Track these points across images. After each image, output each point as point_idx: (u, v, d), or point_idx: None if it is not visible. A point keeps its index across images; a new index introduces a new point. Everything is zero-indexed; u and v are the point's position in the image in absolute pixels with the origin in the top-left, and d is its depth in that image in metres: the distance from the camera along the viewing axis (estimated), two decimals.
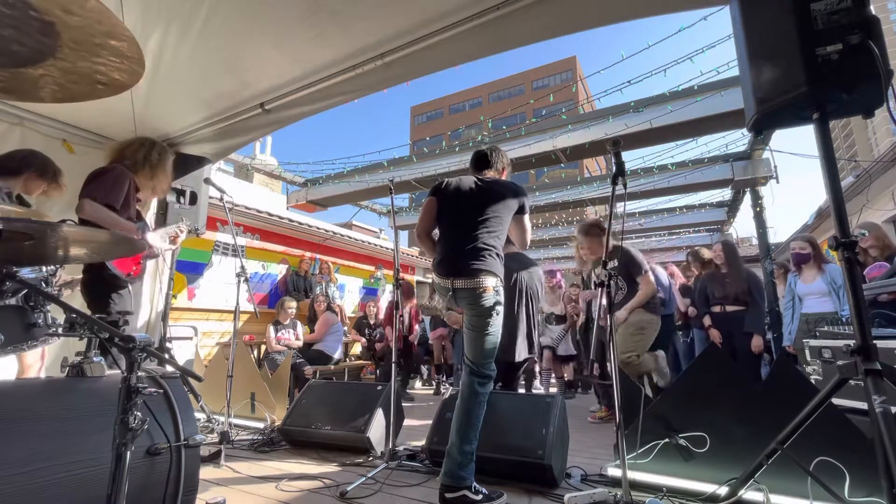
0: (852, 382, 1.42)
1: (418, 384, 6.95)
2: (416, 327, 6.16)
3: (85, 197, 2.21)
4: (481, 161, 2.49)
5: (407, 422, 3.43)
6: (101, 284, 2.31)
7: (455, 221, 2.28)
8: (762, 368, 4.79)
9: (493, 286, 2.13)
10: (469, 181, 2.35)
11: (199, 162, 3.64)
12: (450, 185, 2.35)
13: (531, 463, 2.20)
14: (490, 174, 2.45)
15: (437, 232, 2.41)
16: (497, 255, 2.20)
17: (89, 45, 1.04)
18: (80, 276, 2.40)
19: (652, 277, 3.43)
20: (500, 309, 2.17)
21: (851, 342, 1.44)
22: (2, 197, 2.12)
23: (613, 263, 1.93)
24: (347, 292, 8.59)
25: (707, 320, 4.09)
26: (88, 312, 2.01)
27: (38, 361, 2.63)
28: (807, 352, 2.74)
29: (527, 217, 2.39)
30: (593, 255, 3.68)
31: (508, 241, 2.38)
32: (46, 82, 1.15)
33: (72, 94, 1.23)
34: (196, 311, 5.68)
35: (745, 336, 3.85)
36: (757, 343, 3.80)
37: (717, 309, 4.07)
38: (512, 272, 3.11)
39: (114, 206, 2.30)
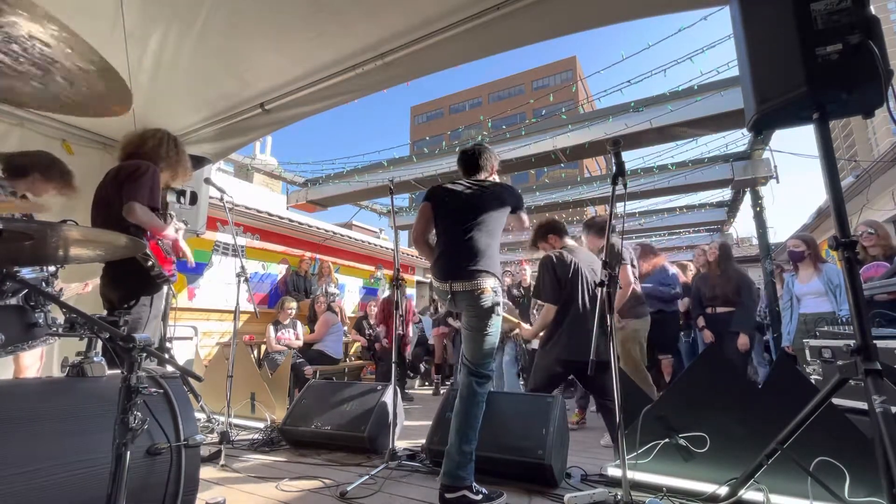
0: (852, 382, 1.42)
1: (417, 384, 6.95)
2: (410, 329, 6.16)
3: (133, 200, 2.13)
4: (471, 163, 2.46)
5: (407, 422, 3.43)
6: (143, 284, 2.22)
7: (451, 224, 2.28)
8: (762, 368, 4.79)
9: (491, 287, 2.13)
10: (463, 184, 2.36)
11: (199, 162, 3.64)
12: (444, 189, 2.37)
13: (531, 463, 2.20)
14: (481, 176, 2.45)
15: (434, 237, 2.42)
16: (494, 255, 2.20)
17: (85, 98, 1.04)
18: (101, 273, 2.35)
19: (629, 270, 3.28)
20: (500, 309, 2.18)
21: (851, 342, 1.44)
22: (5, 195, 2.11)
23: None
24: (347, 292, 8.59)
25: (700, 321, 4.11)
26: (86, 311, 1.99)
27: (37, 362, 2.62)
28: (807, 352, 2.74)
29: (524, 213, 2.43)
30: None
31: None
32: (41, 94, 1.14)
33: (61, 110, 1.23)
34: (196, 311, 5.68)
35: (732, 336, 3.86)
36: (742, 342, 3.81)
37: (708, 310, 4.10)
38: (570, 263, 2.93)
39: (156, 207, 2.26)
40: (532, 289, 4.95)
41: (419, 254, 2.47)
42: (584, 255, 3.07)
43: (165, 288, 2.36)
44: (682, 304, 4.59)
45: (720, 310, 3.99)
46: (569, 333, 2.81)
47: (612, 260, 3.27)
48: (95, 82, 1.03)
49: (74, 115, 1.24)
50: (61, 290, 2.60)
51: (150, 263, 2.17)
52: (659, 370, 4.46)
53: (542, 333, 3.11)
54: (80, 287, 2.96)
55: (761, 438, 1.64)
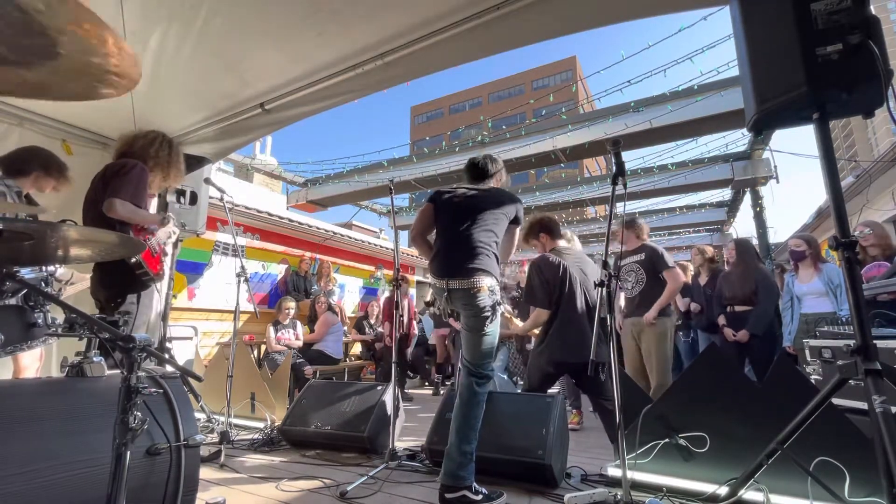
0: (852, 382, 1.42)
1: (417, 383, 6.94)
2: (415, 325, 6.15)
3: (114, 196, 2.14)
4: (478, 171, 2.48)
5: (407, 422, 3.43)
6: (128, 282, 2.24)
7: (451, 222, 2.29)
8: None
9: (488, 286, 2.13)
10: (466, 187, 2.39)
11: (199, 162, 3.64)
12: (447, 190, 2.39)
13: (531, 463, 2.20)
14: (487, 183, 2.46)
15: (433, 237, 2.42)
16: (493, 254, 2.20)
17: (86, 62, 1.04)
18: (90, 273, 2.36)
19: (679, 273, 3.39)
20: (498, 309, 2.17)
21: (851, 342, 1.44)
22: (12, 196, 2.11)
23: (612, 263, 1.93)
24: (347, 292, 8.59)
25: (722, 320, 4.06)
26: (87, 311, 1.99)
27: (36, 362, 2.62)
28: (807, 352, 2.74)
29: (518, 230, 2.41)
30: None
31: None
32: (41, 82, 1.14)
33: (68, 95, 1.22)
34: (196, 311, 5.68)
35: (752, 337, 3.84)
36: (743, 335, 3.83)
37: (728, 309, 4.04)
38: (558, 266, 2.92)
39: (139, 205, 2.27)
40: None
41: (417, 251, 2.47)
42: (574, 257, 3.07)
43: (157, 286, 2.37)
44: (682, 304, 4.59)
45: (739, 309, 3.95)
46: (561, 335, 2.81)
47: (659, 264, 3.35)
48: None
49: (79, 99, 1.22)
50: (73, 275, 2.59)
51: (133, 261, 2.18)
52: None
53: (536, 331, 3.12)
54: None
55: (761, 438, 1.64)
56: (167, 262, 2.49)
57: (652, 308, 3.33)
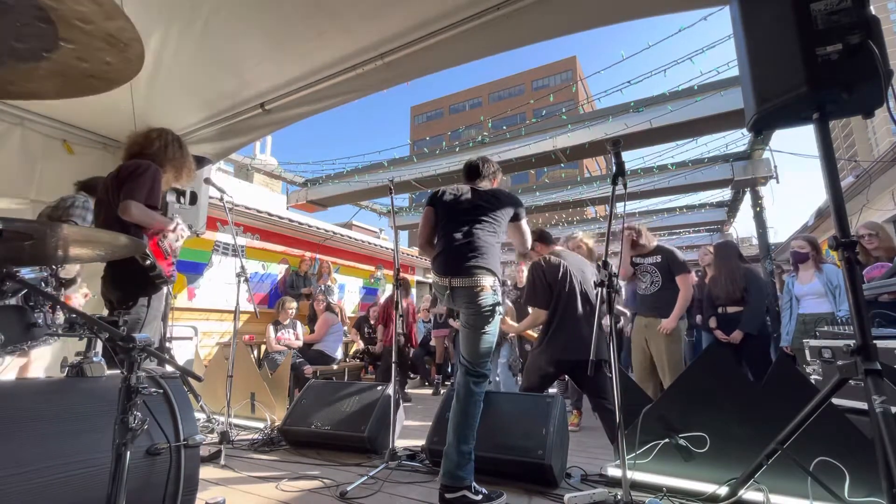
0: (852, 382, 1.42)
1: (417, 383, 6.94)
2: (415, 327, 6.15)
3: (129, 199, 2.12)
4: (473, 172, 2.50)
5: (407, 422, 3.43)
6: (141, 284, 2.22)
7: (453, 222, 2.29)
8: None
9: (490, 285, 2.13)
10: (465, 188, 2.40)
11: (199, 162, 3.63)
12: (446, 192, 2.39)
13: (531, 463, 2.20)
14: (483, 184, 2.47)
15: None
16: (495, 253, 2.21)
17: (88, 34, 1.04)
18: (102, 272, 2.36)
19: (689, 277, 3.44)
20: (499, 308, 2.18)
21: (851, 342, 1.44)
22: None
23: (613, 264, 1.93)
24: (347, 292, 8.59)
25: (713, 322, 4.07)
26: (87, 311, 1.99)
27: (40, 360, 2.64)
28: (807, 352, 2.74)
29: (524, 222, 2.44)
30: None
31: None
32: (47, 77, 1.15)
33: (72, 89, 1.23)
34: (196, 311, 5.68)
35: (746, 337, 3.84)
36: (736, 336, 3.84)
37: (719, 310, 4.06)
38: (559, 266, 2.93)
39: (155, 206, 2.26)
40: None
41: (426, 257, 2.48)
42: (573, 259, 3.07)
43: (164, 288, 2.36)
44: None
45: (730, 310, 3.96)
46: (561, 334, 2.81)
47: (676, 267, 3.39)
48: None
49: (81, 95, 1.23)
50: (61, 289, 2.62)
51: (148, 263, 2.17)
52: None
53: (531, 332, 3.13)
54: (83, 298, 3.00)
55: (761, 438, 1.64)
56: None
57: (671, 317, 3.36)
